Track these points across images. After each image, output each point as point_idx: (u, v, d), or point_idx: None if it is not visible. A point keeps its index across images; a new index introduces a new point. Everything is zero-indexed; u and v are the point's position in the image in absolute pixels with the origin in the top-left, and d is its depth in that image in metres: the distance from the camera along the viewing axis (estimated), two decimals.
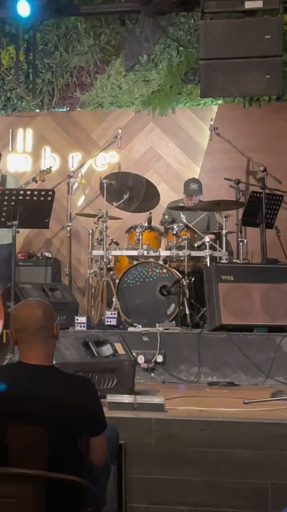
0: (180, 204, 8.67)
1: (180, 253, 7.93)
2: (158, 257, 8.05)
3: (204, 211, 8.64)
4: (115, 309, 7.65)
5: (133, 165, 9.77)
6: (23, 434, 3.19)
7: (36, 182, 8.93)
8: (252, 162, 9.41)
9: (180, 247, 7.96)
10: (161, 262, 7.97)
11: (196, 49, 9.28)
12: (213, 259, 7.87)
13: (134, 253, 8.06)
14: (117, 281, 7.86)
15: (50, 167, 9.34)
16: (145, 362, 6.87)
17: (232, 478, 4.61)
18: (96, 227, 8.32)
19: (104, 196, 8.23)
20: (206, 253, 7.84)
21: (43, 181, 9.01)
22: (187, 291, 7.67)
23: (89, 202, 9.83)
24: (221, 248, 8.03)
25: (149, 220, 8.15)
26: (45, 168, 9.26)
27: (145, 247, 8.00)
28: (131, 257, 8.17)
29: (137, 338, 7.00)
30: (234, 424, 4.77)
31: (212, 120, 9.35)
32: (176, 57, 9.79)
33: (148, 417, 4.84)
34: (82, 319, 7.42)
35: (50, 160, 10.01)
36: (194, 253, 7.98)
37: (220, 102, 9.75)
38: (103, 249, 8.01)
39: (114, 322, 7.44)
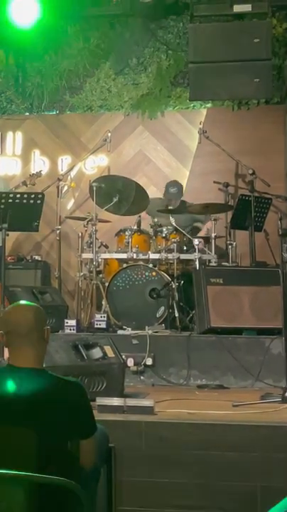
0: (170, 207, 8.67)
1: (170, 256, 7.93)
2: (147, 260, 8.04)
3: (192, 214, 8.67)
4: (104, 312, 7.66)
5: (123, 168, 9.77)
6: (13, 436, 3.19)
7: (26, 185, 8.92)
8: (241, 165, 9.43)
9: (170, 250, 7.96)
10: (151, 265, 7.96)
11: (185, 52, 9.30)
12: (202, 262, 7.87)
13: (124, 256, 8.06)
14: (107, 284, 7.86)
15: (40, 171, 9.34)
16: (134, 365, 6.87)
17: (222, 480, 4.62)
18: (86, 230, 8.31)
19: (93, 199, 8.24)
20: (195, 256, 7.84)
21: (34, 185, 9.00)
22: (176, 294, 7.68)
23: (79, 205, 9.83)
24: (211, 251, 8.05)
25: (138, 223, 8.16)
26: (35, 172, 9.26)
27: (134, 250, 8.00)
28: (121, 260, 8.16)
29: (126, 341, 7.00)
30: (224, 427, 4.78)
31: (201, 123, 9.35)
32: (165, 60, 9.80)
33: (137, 420, 4.86)
34: (72, 322, 7.43)
35: (39, 163, 10.00)
36: (183, 256, 7.98)
37: (209, 105, 9.76)
38: (92, 252, 8.01)
39: (103, 325, 7.45)
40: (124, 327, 7.48)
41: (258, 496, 4.55)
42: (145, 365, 6.92)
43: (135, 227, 8.13)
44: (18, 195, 6.93)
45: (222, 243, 8.93)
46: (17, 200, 6.87)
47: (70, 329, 7.36)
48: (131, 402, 5.13)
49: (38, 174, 9.14)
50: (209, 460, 4.67)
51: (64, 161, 10.05)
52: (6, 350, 3.98)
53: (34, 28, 9.21)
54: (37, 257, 9.42)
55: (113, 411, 5.01)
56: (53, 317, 7.56)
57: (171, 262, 7.96)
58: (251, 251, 8.57)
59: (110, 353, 5.89)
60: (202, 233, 8.61)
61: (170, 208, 8.61)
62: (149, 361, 6.91)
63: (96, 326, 7.45)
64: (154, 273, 7.83)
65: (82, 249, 8.26)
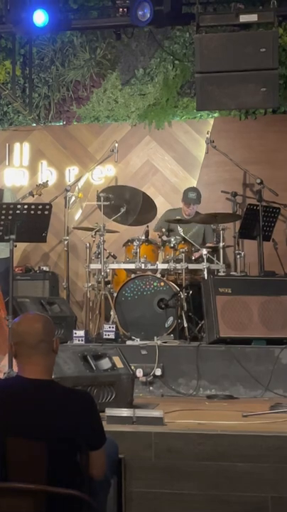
0: (178, 217, 8.66)
1: (178, 266, 7.92)
2: (155, 270, 8.04)
3: (200, 224, 8.66)
4: (113, 323, 7.65)
5: (130, 178, 9.78)
6: (23, 448, 3.18)
7: (33, 196, 8.92)
8: (249, 175, 9.43)
9: (178, 260, 7.96)
10: (159, 275, 7.96)
11: (191, 62, 9.31)
12: (211, 271, 7.86)
13: (132, 266, 8.05)
14: (115, 294, 7.86)
15: (47, 181, 9.34)
16: (143, 375, 6.86)
17: (232, 491, 4.60)
18: (94, 241, 8.32)
19: (101, 210, 8.24)
20: (203, 266, 7.84)
21: (40, 195, 9.00)
22: (185, 304, 7.67)
23: (87, 215, 9.84)
24: (219, 261, 8.03)
25: (146, 233, 8.16)
26: (41, 182, 9.26)
27: (142, 260, 7.99)
28: (129, 271, 8.17)
29: (135, 352, 6.99)
30: (234, 438, 4.76)
31: (208, 133, 9.36)
32: (172, 70, 9.81)
33: (147, 431, 4.84)
34: (80, 333, 7.41)
35: (46, 174, 10.02)
36: (191, 266, 7.97)
37: (216, 115, 9.77)
38: (100, 263, 8.01)
39: (112, 335, 7.43)
40: (133, 337, 7.47)
41: (269, 507, 4.52)
42: (154, 375, 6.90)
43: (143, 237, 8.12)
44: (26, 206, 6.91)
45: (231, 253, 8.93)
46: (25, 211, 6.86)
47: (79, 340, 7.34)
48: (141, 412, 5.11)
49: (45, 184, 9.14)
50: (219, 471, 4.65)
51: (71, 172, 10.08)
52: (14, 361, 3.97)
53: (40, 38, 9.25)
54: (45, 268, 9.44)
55: (122, 422, 4.99)
56: (62, 328, 7.57)
57: (179, 271, 7.96)
58: (260, 260, 8.56)
59: (119, 364, 5.88)
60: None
61: (178, 218, 8.59)
62: (158, 372, 6.90)
63: (104, 337, 7.43)
64: (162, 283, 7.82)
65: (90, 260, 8.27)
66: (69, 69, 10.09)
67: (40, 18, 8.46)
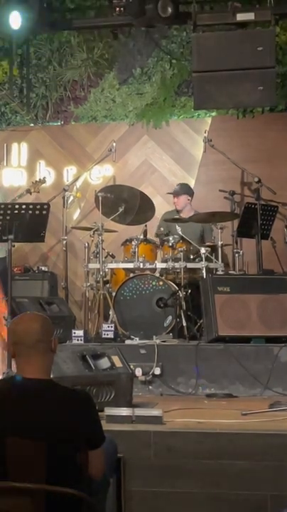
0: (175, 216, 8.67)
1: (176, 265, 7.91)
2: (154, 270, 8.04)
3: (198, 223, 8.65)
4: (112, 322, 7.65)
5: (128, 178, 9.78)
6: (22, 447, 3.18)
7: (30, 193, 8.89)
8: (247, 173, 9.43)
9: (176, 259, 7.95)
10: (157, 275, 7.96)
11: (189, 61, 9.30)
12: (209, 270, 7.86)
13: (130, 266, 8.05)
14: (114, 294, 7.85)
15: (44, 177, 9.28)
16: (142, 374, 6.86)
17: (231, 489, 4.61)
18: (92, 241, 8.31)
19: (99, 209, 8.24)
20: (202, 265, 7.83)
21: (38, 192, 8.98)
22: (183, 303, 7.66)
23: (85, 215, 9.83)
24: (217, 260, 8.03)
25: (145, 233, 8.15)
26: (38, 179, 9.24)
27: (141, 259, 7.99)
28: (127, 270, 8.15)
29: (134, 351, 6.99)
30: (233, 436, 4.77)
31: (205, 132, 9.37)
32: (169, 69, 9.81)
33: (146, 430, 4.85)
34: (79, 333, 7.42)
35: (45, 174, 9.99)
36: (190, 265, 7.96)
37: (214, 114, 9.77)
38: (99, 263, 8.01)
39: (111, 335, 7.44)
40: (132, 337, 7.47)
41: (268, 505, 4.53)
42: (153, 374, 6.90)
43: (141, 237, 8.12)
44: (24, 206, 6.92)
45: (229, 252, 8.93)
46: (23, 211, 6.87)
47: (78, 339, 7.35)
48: (140, 411, 5.12)
49: (42, 181, 9.09)
50: (218, 469, 4.66)
51: (69, 172, 10.07)
52: (13, 361, 3.97)
53: (37, 38, 9.24)
54: (43, 268, 9.41)
55: (121, 421, 5.00)
56: (60, 328, 7.56)
57: (178, 271, 7.94)
58: (258, 259, 8.56)
59: (118, 363, 5.88)
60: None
61: (176, 217, 8.60)
62: (157, 371, 6.90)
63: (103, 336, 7.44)
64: (161, 282, 7.82)
65: (88, 260, 8.25)
66: (67, 69, 10.09)
67: (15, 21, 8.43)
